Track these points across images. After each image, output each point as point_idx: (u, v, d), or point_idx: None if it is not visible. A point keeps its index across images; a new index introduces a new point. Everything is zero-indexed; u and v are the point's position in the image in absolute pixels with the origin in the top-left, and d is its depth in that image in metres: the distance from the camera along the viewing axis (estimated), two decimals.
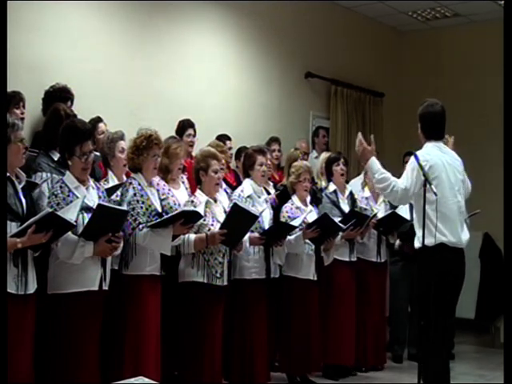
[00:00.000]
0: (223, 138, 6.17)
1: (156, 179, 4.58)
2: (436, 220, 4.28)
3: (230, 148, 6.20)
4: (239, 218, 4.60)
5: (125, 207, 4.19)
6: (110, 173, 4.74)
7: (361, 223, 5.73)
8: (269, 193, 5.72)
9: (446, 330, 4.41)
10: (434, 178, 4.37)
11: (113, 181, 4.68)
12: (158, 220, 4.28)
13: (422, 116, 4.57)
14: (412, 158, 4.45)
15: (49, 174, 4.42)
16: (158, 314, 4.36)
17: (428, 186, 4.23)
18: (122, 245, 4.08)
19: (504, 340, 4.24)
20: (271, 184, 6.01)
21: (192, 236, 4.54)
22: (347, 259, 5.85)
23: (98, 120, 5.32)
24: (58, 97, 5.01)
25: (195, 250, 4.56)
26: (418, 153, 4.47)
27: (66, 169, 4.04)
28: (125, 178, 4.71)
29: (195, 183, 4.92)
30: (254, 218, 4.71)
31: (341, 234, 5.65)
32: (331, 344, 5.74)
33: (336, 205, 5.86)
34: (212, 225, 4.62)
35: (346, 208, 5.88)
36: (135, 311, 4.23)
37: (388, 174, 4.50)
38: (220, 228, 4.56)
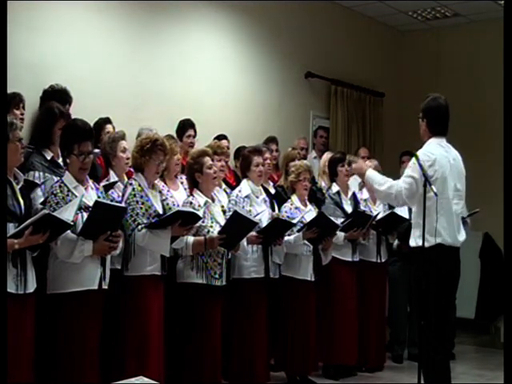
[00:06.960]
0: (220, 137, 6.16)
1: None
2: (436, 220, 4.26)
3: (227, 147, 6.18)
4: (239, 225, 4.62)
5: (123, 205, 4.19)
6: (111, 172, 4.73)
7: (364, 224, 5.73)
8: (269, 192, 5.70)
9: (446, 330, 4.40)
10: (439, 177, 4.32)
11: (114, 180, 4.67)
12: (155, 220, 4.27)
13: (428, 110, 4.45)
14: (413, 159, 4.37)
15: (41, 174, 4.38)
16: (161, 314, 4.36)
17: (428, 186, 4.21)
18: (121, 244, 4.08)
19: (504, 340, 4.24)
20: (271, 184, 6.00)
21: (191, 239, 4.54)
22: (350, 259, 5.86)
23: (107, 121, 5.33)
24: (57, 98, 4.98)
25: (193, 253, 4.56)
26: (421, 151, 4.40)
27: (65, 168, 4.04)
28: (126, 178, 4.71)
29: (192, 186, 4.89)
30: (253, 224, 4.74)
31: (344, 234, 5.67)
32: (333, 343, 5.74)
33: (339, 206, 5.86)
34: (211, 226, 4.62)
35: (349, 209, 5.89)
36: (137, 311, 4.23)
37: (391, 180, 4.49)
38: (219, 233, 4.57)
